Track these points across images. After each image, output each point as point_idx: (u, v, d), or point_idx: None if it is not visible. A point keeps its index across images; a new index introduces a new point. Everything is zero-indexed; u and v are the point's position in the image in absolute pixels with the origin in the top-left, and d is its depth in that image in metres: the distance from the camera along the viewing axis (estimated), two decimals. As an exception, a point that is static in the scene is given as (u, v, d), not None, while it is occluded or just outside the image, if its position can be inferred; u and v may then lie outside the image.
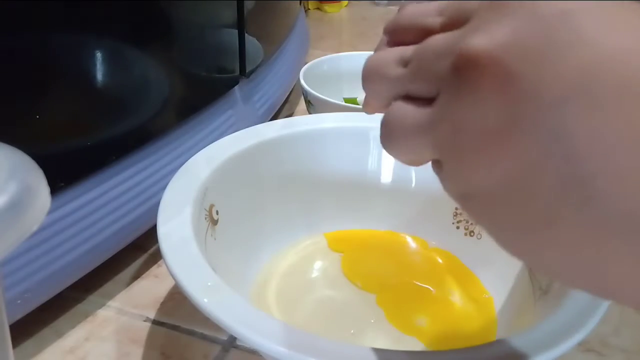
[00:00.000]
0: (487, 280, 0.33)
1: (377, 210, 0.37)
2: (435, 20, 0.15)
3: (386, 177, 0.37)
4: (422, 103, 0.15)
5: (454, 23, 0.14)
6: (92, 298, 0.34)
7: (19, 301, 0.28)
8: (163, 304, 0.34)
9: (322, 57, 0.55)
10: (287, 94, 0.56)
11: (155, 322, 0.32)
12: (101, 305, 0.34)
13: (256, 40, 0.46)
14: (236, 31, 0.43)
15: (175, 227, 0.27)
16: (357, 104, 0.53)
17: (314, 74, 0.52)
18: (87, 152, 0.31)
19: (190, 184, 0.30)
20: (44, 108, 0.28)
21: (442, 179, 0.15)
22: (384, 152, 0.38)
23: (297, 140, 0.36)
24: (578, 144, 0.11)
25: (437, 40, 0.14)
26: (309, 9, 0.90)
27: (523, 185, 0.12)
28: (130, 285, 0.35)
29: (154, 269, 0.36)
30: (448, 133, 0.14)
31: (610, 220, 0.11)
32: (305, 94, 0.49)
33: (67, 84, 0.29)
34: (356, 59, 0.56)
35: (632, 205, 0.11)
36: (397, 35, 0.17)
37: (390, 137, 0.16)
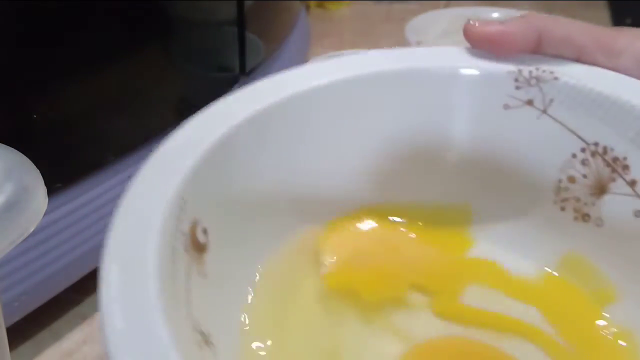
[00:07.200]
0: (617, 280, 0.24)
1: (408, 184, 0.26)
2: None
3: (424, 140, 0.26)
4: None
5: None
6: (90, 300, 0.33)
7: (16, 303, 0.28)
8: (163, 305, 0.33)
9: (324, 55, 0.55)
10: (288, 92, 0.55)
11: (154, 325, 0.32)
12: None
13: (257, 38, 0.46)
14: (236, 28, 0.43)
15: (128, 284, 0.15)
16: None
17: (314, 73, 0.52)
18: (84, 153, 0.31)
19: (155, 197, 0.18)
20: (40, 107, 0.28)
21: None
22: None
23: (313, 100, 0.24)
24: None
25: None
26: (309, 6, 0.89)
27: None
28: (129, 287, 0.35)
29: (154, 270, 0.36)
30: None
31: None
32: (306, 93, 0.49)
33: (64, 83, 0.29)
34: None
35: None
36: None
37: None
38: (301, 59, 0.59)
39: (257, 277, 0.23)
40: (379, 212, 0.27)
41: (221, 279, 0.20)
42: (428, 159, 0.26)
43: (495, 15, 0.67)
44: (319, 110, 0.24)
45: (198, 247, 0.19)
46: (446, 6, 0.74)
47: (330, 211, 0.26)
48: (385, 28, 0.75)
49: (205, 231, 0.19)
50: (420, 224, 0.27)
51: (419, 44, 0.59)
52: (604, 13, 0.78)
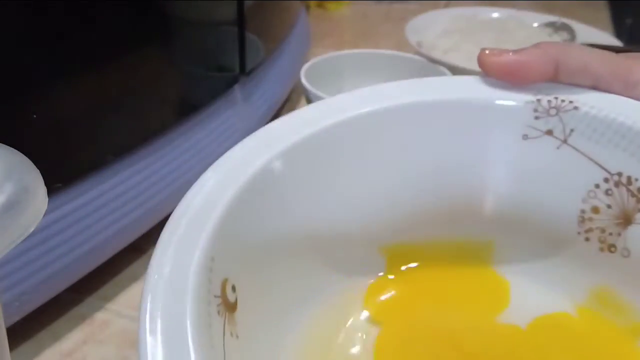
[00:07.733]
0: None
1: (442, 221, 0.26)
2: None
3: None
4: None
5: None
6: (90, 300, 0.33)
7: (16, 303, 0.27)
8: (163, 306, 0.33)
9: (324, 55, 0.55)
10: (289, 92, 0.55)
11: (154, 325, 0.32)
12: (99, 307, 0.33)
13: (257, 38, 0.46)
14: (236, 28, 0.43)
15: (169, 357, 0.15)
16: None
17: (315, 72, 0.52)
18: (84, 153, 0.30)
19: (184, 260, 0.17)
20: (40, 107, 0.28)
21: None
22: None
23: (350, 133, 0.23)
24: None
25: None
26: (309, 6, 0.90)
27: None
28: (129, 287, 0.35)
29: (154, 270, 0.36)
30: None
31: None
32: (307, 93, 0.49)
33: (64, 82, 0.29)
34: (358, 57, 0.55)
35: None
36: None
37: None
38: (301, 59, 0.59)
39: (290, 339, 0.22)
40: (403, 255, 0.26)
41: (252, 340, 0.19)
42: (444, 193, 0.25)
43: (495, 15, 0.67)
44: (330, 155, 0.23)
45: (229, 307, 0.18)
46: (446, 6, 0.74)
47: (361, 260, 0.25)
48: (385, 28, 0.75)
49: (234, 288, 0.19)
50: (447, 265, 0.26)
51: (419, 44, 0.59)
52: (604, 13, 0.78)
